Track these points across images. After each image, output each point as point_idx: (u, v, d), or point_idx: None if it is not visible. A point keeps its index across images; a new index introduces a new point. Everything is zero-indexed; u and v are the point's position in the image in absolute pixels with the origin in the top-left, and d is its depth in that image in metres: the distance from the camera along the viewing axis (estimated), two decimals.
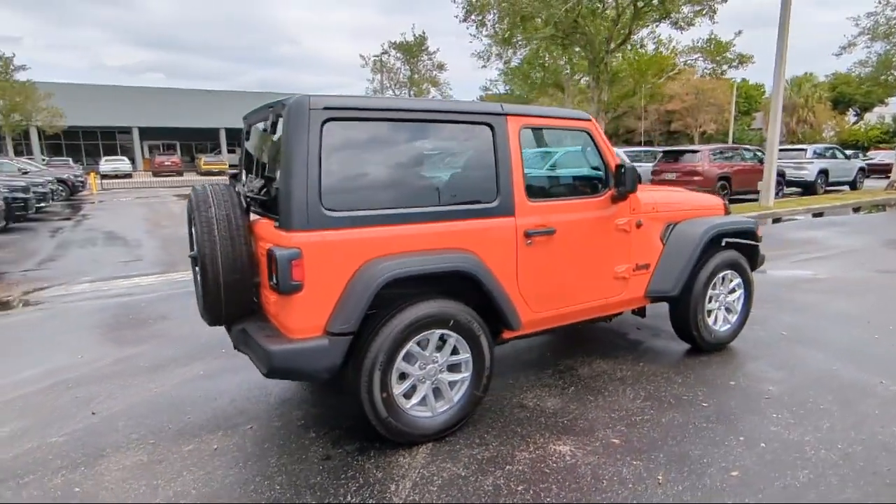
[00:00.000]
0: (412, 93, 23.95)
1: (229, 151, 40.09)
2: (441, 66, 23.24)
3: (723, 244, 3.97)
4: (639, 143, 31.87)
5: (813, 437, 2.87)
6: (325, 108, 2.58)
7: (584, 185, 3.59)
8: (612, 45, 9.59)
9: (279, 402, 3.45)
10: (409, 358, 2.81)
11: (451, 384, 2.97)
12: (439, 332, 2.84)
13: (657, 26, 9.81)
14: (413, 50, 22.51)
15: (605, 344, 4.36)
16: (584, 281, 3.44)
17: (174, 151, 40.49)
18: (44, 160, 30.23)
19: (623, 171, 3.32)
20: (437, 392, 2.94)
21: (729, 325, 4.17)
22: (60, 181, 19.82)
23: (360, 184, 2.71)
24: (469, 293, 2.97)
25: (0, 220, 10.87)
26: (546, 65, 11.67)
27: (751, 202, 13.45)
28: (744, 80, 32.59)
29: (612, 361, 3.97)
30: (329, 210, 2.57)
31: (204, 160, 36.70)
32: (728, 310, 4.18)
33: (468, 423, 3.09)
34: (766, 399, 3.31)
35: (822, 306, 5.18)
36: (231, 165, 36.45)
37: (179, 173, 36.17)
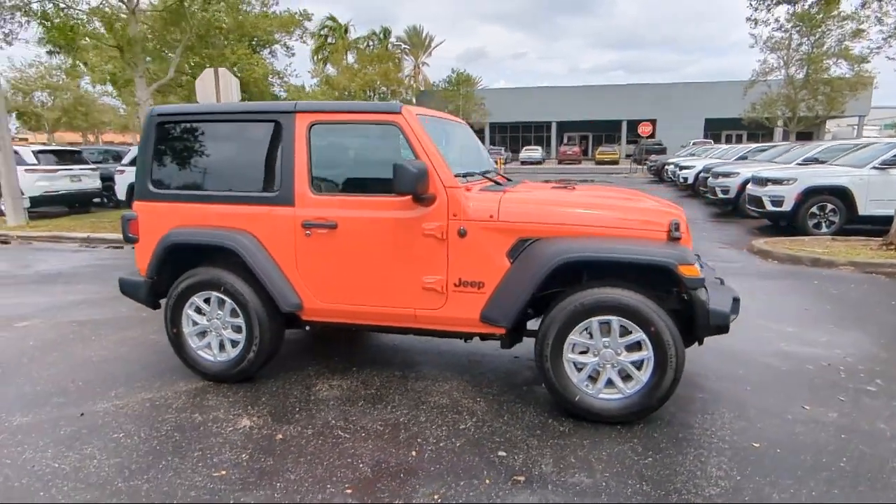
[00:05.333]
0: (809, 71, 18.89)
1: (629, 142, 40.99)
2: (858, 34, 17.40)
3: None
4: None
5: None
6: (159, 115, 3.58)
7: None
8: None
9: None
10: (199, 310, 3.56)
11: (234, 342, 3.53)
12: (215, 294, 3.46)
13: None
14: (815, 20, 17.68)
15: (505, 372, 3.68)
16: (379, 283, 3.24)
17: (575, 143, 44.20)
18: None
19: (396, 169, 2.94)
20: (223, 344, 3.57)
21: (620, 396, 2.90)
22: None
23: (175, 169, 3.59)
24: None
25: None
26: None
27: None
28: None
29: (469, 387, 3.44)
30: (155, 188, 3.59)
31: (599, 150, 38.91)
32: (627, 376, 2.90)
33: (259, 380, 3.57)
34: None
35: None
36: (627, 156, 37.58)
37: (578, 161, 39.60)
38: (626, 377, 2.92)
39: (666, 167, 19.55)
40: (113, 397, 3.38)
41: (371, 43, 41.93)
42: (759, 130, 28.73)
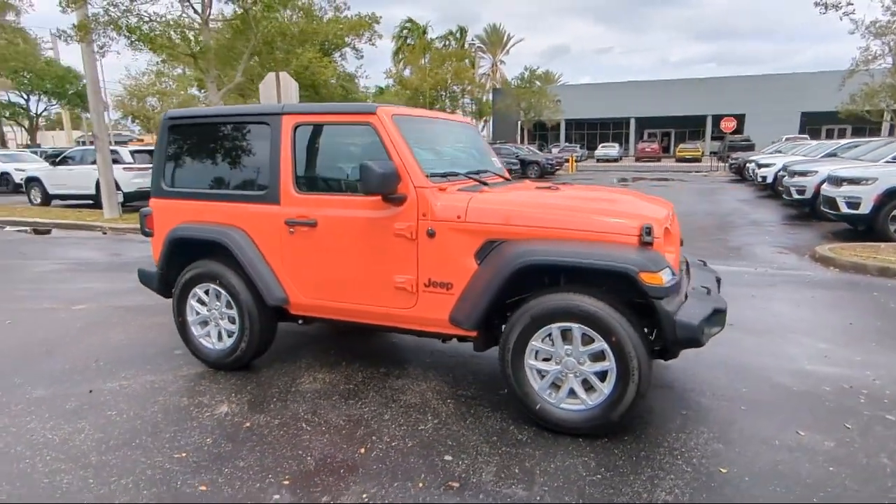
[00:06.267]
0: None
1: (713, 138, 38.53)
2: None
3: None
4: None
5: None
6: (170, 118, 3.85)
7: None
8: None
9: None
10: (201, 300, 3.80)
11: (229, 332, 3.73)
12: (213, 286, 3.68)
13: None
14: None
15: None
16: (356, 281, 3.30)
17: (655, 139, 42.20)
18: (548, 146, 37.96)
19: (362, 169, 2.96)
20: (221, 333, 3.78)
21: (582, 407, 2.76)
22: (531, 162, 25.07)
23: (183, 168, 3.85)
24: None
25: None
26: None
27: None
28: None
29: (446, 387, 3.42)
30: (167, 186, 3.87)
31: (680, 147, 36.96)
32: (591, 387, 2.76)
33: (254, 369, 3.76)
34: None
35: None
36: (712, 153, 35.39)
37: (657, 159, 37.81)
38: (590, 388, 2.78)
39: (747, 165, 18.18)
40: (122, 378, 3.69)
41: (448, 42, 42.33)
42: (864, 125, 25.90)
